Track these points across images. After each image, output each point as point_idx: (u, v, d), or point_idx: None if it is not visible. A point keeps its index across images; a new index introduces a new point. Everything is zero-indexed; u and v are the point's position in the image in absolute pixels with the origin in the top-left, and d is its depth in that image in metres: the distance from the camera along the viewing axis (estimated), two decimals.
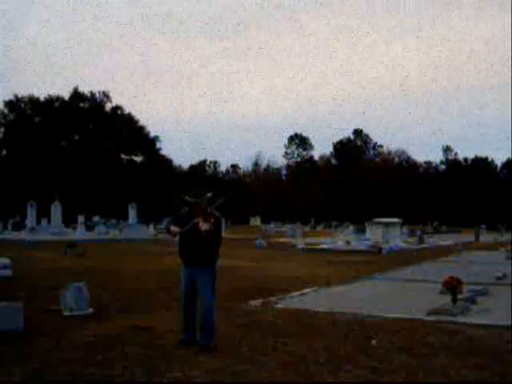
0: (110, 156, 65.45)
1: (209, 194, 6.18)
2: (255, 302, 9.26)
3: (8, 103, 66.63)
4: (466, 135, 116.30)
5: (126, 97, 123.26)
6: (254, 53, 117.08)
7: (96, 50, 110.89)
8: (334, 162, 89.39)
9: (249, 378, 5.03)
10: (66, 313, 7.99)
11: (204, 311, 6.09)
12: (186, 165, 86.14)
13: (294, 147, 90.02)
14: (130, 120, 70.49)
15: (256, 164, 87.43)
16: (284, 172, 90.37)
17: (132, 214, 40.54)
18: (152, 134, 71.87)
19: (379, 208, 57.82)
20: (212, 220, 5.99)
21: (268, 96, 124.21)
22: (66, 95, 68.98)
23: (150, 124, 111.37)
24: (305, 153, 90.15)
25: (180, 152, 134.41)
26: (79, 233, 34.44)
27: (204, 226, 5.91)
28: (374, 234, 25.95)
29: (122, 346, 6.17)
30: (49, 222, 36.86)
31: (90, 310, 8.21)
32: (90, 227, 38.26)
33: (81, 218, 40.71)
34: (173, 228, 6.20)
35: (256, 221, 66.18)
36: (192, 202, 6.11)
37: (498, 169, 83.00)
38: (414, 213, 62.77)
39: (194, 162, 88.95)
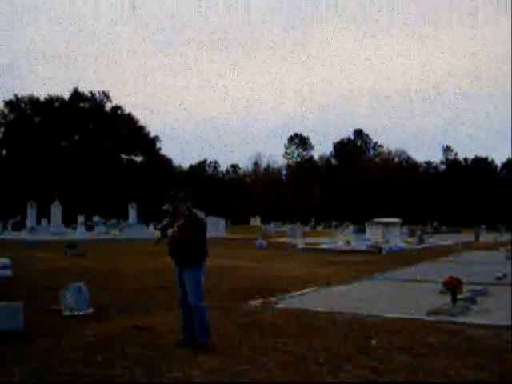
0: (110, 156, 65.47)
1: (180, 194, 6.29)
2: (255, 302, 9.26)
3: (8, 103, 66.64)
4: (466, 135, 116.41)
5: (126, 97, 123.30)
6: (253, 53, 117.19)
7: (96, 50, 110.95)
8: (334, 161, 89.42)
9: (249, 378, 5.03)
10: (66, 313, 7.99)
11: (192, 310, 6.12)
12: (185, 165, 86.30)
13: (293, 147, 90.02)
14: (130, 120, 70.52)
15: (256, 164, 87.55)
16: (284, 172, 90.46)
17: (132, 213, 40.55)
18: (152, 134, 71.98)
19: (379, 208, 57.86)
20: (179, 222, 6.11)
21: (268, 96, 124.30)
22: (66, 95, 69.10)
23: (150, 124, 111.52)
24: (305, 153, 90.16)
25: (180, 152, 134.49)
26: (79, 233, 34.44)
27: (169, 231, 6.15)
28: (374, 234, 25.92)
29: (122, 346, 6.17)
30: (49, 222, 36.85)
31: (90, 310, 8.21)
32: (89, 227, 38.25)
33: (81, 218, 40.70)
34: (156, 235, 6.43)
35: (256, 221, 66.19)
36: (171, 209, 6.26)
37: (498, 169, 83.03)
38: (414, 213, 62.82)
39: (194, 162, 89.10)
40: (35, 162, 58.89)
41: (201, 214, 6.40)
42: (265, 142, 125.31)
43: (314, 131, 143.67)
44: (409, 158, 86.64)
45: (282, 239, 33.77)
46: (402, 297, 10.12)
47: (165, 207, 6.32)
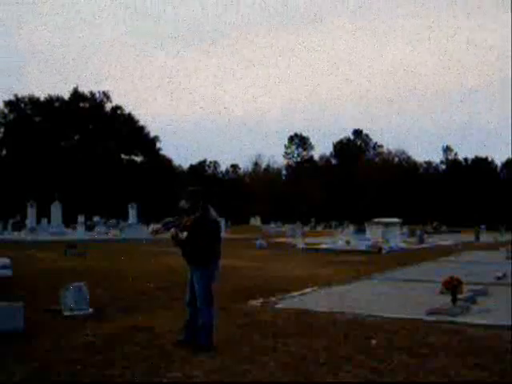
0: (110, 156, 65.46)
1: (199, 192, 6.26)
2: (255, 302, 9.26)
3: (8, 103, 66.61)
4: (466, 135, 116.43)
5: (126, 97, 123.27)
6: (253, 53, 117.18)
7: (96, 50, 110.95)
8: (334, 161, 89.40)
9: (249, 378, 5.03)
10: (66, 313, 7.99)
11: (198, 312, 6.11)
12: (186, 165, 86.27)
13: (294, 147, 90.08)
14: (130, 120, 70.49)
15: (256, 164, 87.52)
16: (284, 172, 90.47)
17: (132, 214, 40.52)
18: (152, 134, 71.96)
19: (379, 208, 57.82)
20: (185, 222, 6.12)
21: (268, 96, 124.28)
22: (66, 95, 69.08)
23: (150, 124, 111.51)
24: (305, 153, 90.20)
25: (180, 152, 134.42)
26: (79, 233, 34.43)
27: (172, 231, 6.17)
28: (373, 234, 25.90)
29: (122, 346, 6.17)
30: (49, 222, 36.85)
31: (90, 310, 8.21)
32: (90, 227, 38.24)
33: (81, 218, 40.69)
34: (155, 227, 6.43)
35: (256, 221, 66.11)
36: (188, 206, 6.23)
37: (498, 169, 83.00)
38: (414, 213, 62.79)
39: (194, 162, 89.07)
40: (35, 161, 58.87)
41: (215, 215, 6.31)
42: (265, 142, 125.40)
43: (314, 131, 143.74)
44: (409, 158, 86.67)
45: (282, 239, 33.77)
46: (401, 297, 10.12)
47: (181, 204, 6.22)
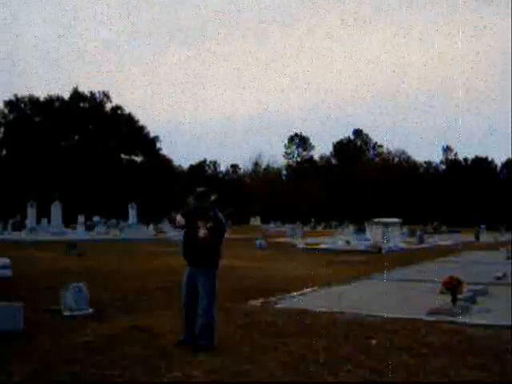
0: (109, 156, 65.44)
1: (213, 197, 6.25)
2: (255, 302, 9.26)
3: (8, 103, 66.59)
4: (466, 135, 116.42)
5: (126, 97, 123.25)
6: (253, 53, 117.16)
7: (96, 50, 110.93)
8: (334, 161, 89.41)
9: (249, 378, 5.03)
10: (66, 313, 7.98)
11: (202, 312, 6.08)
12: (186, 165, 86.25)
13: (294, 147, 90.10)
14: (130, 120, 70.43)
15: (256, 164, 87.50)
16: (284, 172, 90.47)
17: (132, 214, 40.51)
18: (152, 134, 71.92)
19: (379, 208, 57.80)
20: (209, 225, 6.07)
21: (268, 96, 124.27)
22: (66, 95, 69.04)
23: (150, 124, 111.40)
24: (305, 153, 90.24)
25: (180, 152, 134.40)
26: (79, 233, 34.41)
27: (202, 232, 6.04)
28: (373, 234, 25.91)
29: (122, 346, 6.17)
30: (49, 221, 36.81)
31: (90, 310, 8.21)
32: (89, 227, 38.21)
33: (81, 218, 40.67)
34: (178, 218, 6.29)
35: (256, 221, 66.13)
36: (196, 205, 6.21)
37: (498, 169, 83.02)
38: (413, 213, 62.79)
39: (194, 162, 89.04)
40: (35, 161, 58.84)
41: (222, 216, 6.34)
42: (265, 141, 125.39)
43: (314, 131, 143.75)
44: (409, 158, 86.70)
45: (282, 239, 33.76)
46: (401, 297, 10.12)
47: (194, 203, 6.24)
